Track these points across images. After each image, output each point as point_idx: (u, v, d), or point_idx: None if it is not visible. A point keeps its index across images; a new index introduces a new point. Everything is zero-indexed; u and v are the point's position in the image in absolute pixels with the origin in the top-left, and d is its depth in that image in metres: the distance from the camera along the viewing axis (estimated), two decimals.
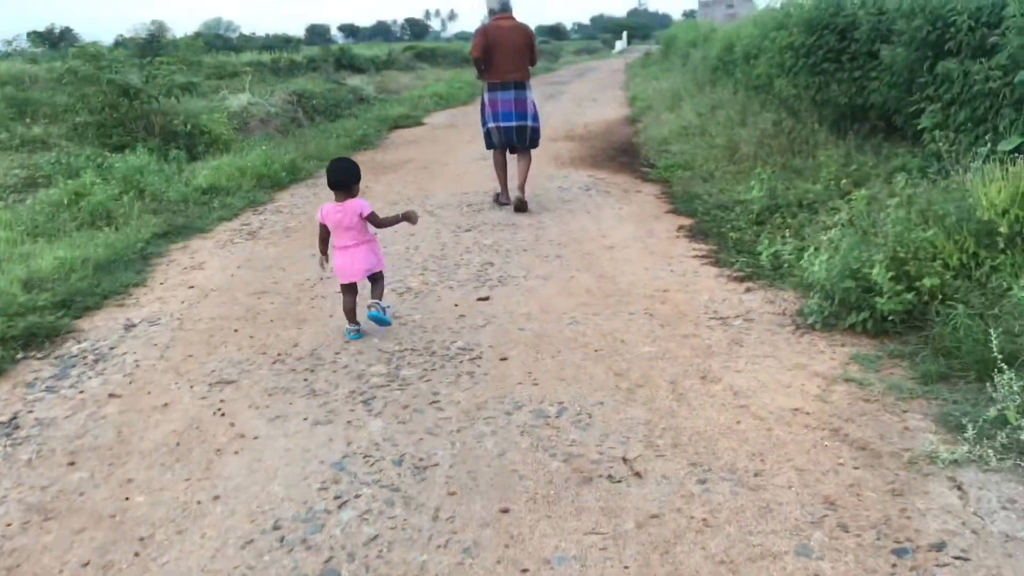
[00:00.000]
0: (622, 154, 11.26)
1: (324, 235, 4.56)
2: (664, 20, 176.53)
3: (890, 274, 4.08)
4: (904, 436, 3.09)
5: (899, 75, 6.88)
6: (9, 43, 21.49)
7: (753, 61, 9.62)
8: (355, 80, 24.11)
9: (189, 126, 11.22)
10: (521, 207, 7.42)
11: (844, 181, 6.35)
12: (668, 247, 6.02)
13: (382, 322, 4.45)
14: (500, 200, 7.82)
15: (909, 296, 4.03)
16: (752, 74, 9.59)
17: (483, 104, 7.77)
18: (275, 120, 13.98)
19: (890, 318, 4.07)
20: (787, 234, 5.81)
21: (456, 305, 4.86)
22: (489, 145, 7.83)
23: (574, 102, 19.46)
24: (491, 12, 7.73)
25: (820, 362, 3.82)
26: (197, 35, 45.49)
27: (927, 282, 4.04)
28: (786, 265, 5.17)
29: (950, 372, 3.56)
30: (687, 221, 6.81)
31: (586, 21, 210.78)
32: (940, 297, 4.03)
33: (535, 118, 7.71)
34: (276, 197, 8.59)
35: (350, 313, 4.47)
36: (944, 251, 4.23)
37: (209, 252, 6.38)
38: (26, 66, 17.85)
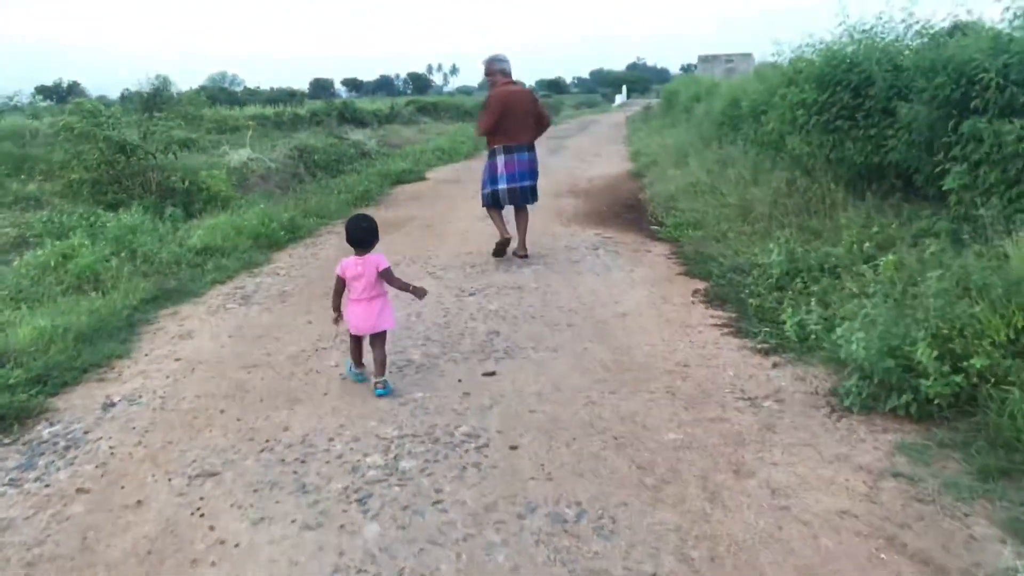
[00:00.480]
0: (628, 211, 11.00)
1: (340, 288, 4.66)
2: (663, 74, 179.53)
3: (934, 353, 3.74)
4: (971, 547, 2.73)
5: (919, 133, 6.62)
6: (10, 98, 21.31)
7: (763, 117, 9.40)
8: (358, 134, 24.07)
9: (187, 183, 10.99)
10: (522, 255, 7.86)
11: (867, 244, 6.04)
12: (685, 314, 5.69)
13: (386, 391, 4.42)
14: (499, 244, 7.83)
15: (957, 378, 3.69)
16: (762, 131, 9.37)
17: (493, 166, 7.82)
18: (276, 176, 13.78)
19: (936, 402, 3.72)
20: (811, 301, 5.48)
21: (460, 381, 4.52)
22: (488, 203, 7.96)
23: (576, 157, 19.30)
24: (495, 76, 7.88)
25: (863, 452, 3.47)
26: (201, 88, 45.84)
27: (976, 363, 3.70)
28: (813, 337, 4.84)
29: (1011, 467, 3.21)
30: (702, 285, 6.50)
31: (586, 75, 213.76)
32: (991, 379, 3.69)
33: (537, 176, 8.02)
34: (273, 258, 8.29)
35: (357, 356, 4.62)
36: (991, 327, 3.90)
37: (200, 319, 6.05)
38: (28, 121, 17.74)
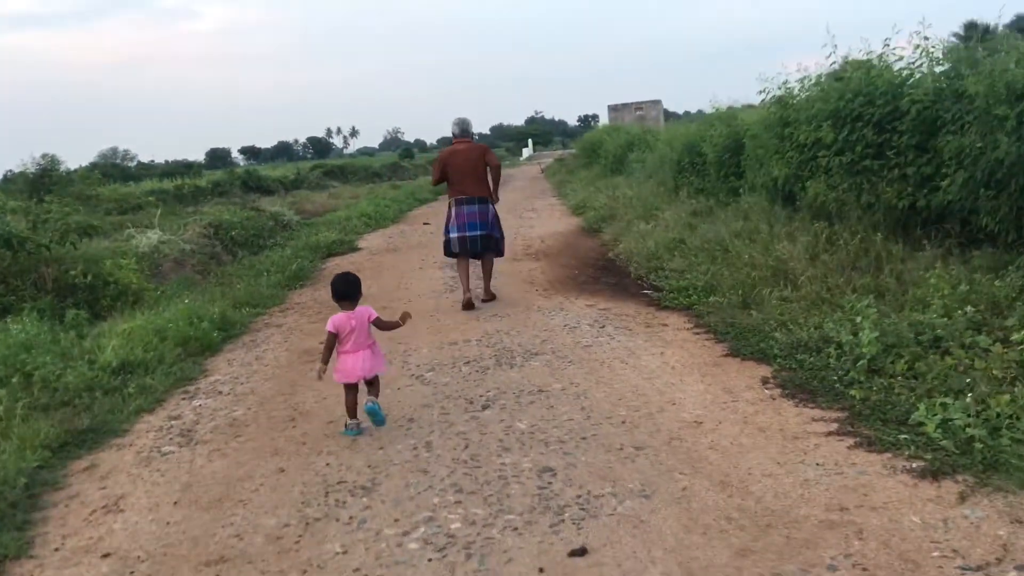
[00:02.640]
0: (604, 273, 9.82)
1: (331, 344, 4.82)
2: (561, 126, 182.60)
3: None
4: None
5: (991, 169, 5.61)
6: None
7: (764, 163, 8.37)
8: (265, 202, 22.46)
9: (89, 277, 9.25)
10: (487, 299, 8.36)
11: (971, 310, 4.93)
12: (775, 417, 4.42)
13: (377, 416, 4.75)
14: (463, 303, 8.13)
15: None
16: (761, 176, 8.33)
17: (448, 216, 8.43)
18: (191, 259, 12.08)
19: None
20: (933, 388, 4.31)
21: (542, 572, 3.09)
22: (448, 253, 8.56)
23: (513, 214, 18.03)
24: (453, 136, 8.63)
25: None
26: (93, 166, 43.26)
27: None
28: (979, 445, 3.63)
29: None
30: (764, 370, 5.27)
31: (486, 131, 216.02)
32: None
33: (497, 228, 8.51)
34: (210, 368, 6.69)
35: (351, 409, 4.80)
36: None
37: (128, 475, 4.46)
38: None
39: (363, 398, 4.84)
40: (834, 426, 4.20)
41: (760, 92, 8.98)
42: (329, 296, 4.94)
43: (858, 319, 5.12)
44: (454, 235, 8.27)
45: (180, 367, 6.50)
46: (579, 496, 3.65)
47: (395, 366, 6.18)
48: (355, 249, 14.43)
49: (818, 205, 7.23)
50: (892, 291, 5.86)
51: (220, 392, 5.94)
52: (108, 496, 4.19)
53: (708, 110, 13.10)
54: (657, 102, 48.50)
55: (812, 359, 5.17)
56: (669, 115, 52.48)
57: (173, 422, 5.33)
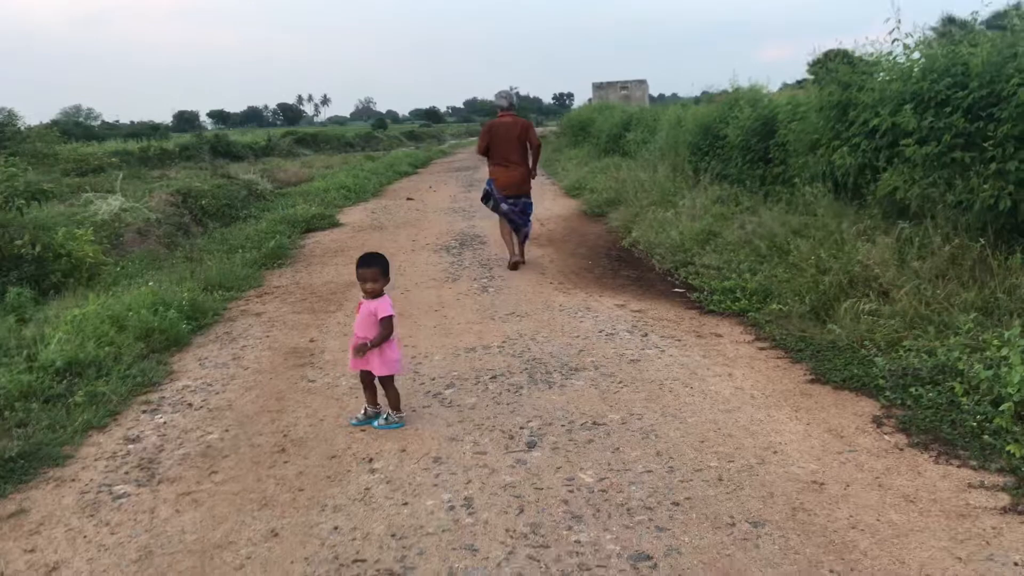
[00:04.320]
0: (622, 265, 8.80)
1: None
2: (536, 103, 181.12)
3: None
4: None
5: None
6: None
7: (822, 150, 7.34)
8: (235, 168, 21.10)
9: (38, 247, 8.03)
10: (522, 261, 8.92)
11: None
12: (916, 479, 3.42)
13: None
14: (512, 263, 8.82)
15: None
16: (824, 165, 7.29)
17: (492, 183, 9.04)
18: (157, 229, 10.85)
19: None
20: None
21: None
22: (493, 209, 9.12)
23: None
24: (498, 107, 9.26)
25: None
26: (53, 123, 41.21)
27: None
28: None
29: None
30: (869, 405, 4.27)
31: (460, 104, 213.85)
32: None
33: (530, 202, 9.20)
34: (177, 369, 5.56)
35: (369, 395, 4.45)
36: None
37: (66, 532, 3.35)
38: None
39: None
40: (1004, 497, 3.21)
41: (811, 68, 7.94)
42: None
43: (998, 348, 4.11)
44: (504, 207, 8.89)
45: (141, 368, 5.35)
46: None
47: (405, 378, 5.10)
48: (337, 224, 13.24)
49: (895, 201, 6.23)
50: (1004, 307, 4.90)
51: (190, 405, 4.82)
52: (35, 565, 3.08)
53: (686, 94, 12.18)
54: (643, 82, 47.34)
55: (931, 395, 4.17)
56: (651, 98, 51.44)
57: (130, 447, 4.21)
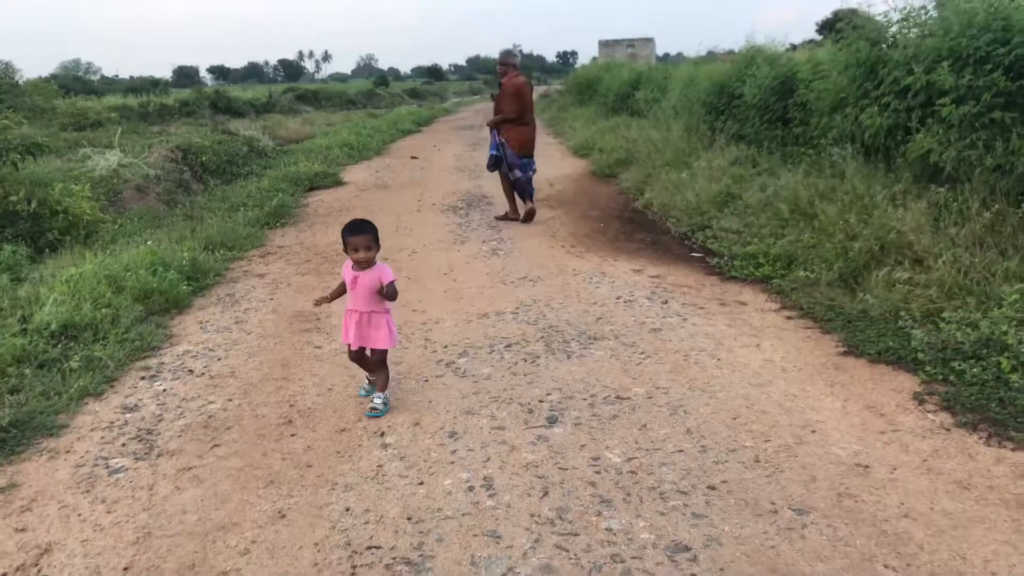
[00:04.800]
0: (636, 228, 8.53)
1: (339, 290, 4.15)
2: (539, 61, 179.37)
3: None
4: None
5: None
6: None
7: (848, 110, 7.01)
8: (236, 125, 20.69)
9: (34, 204, 7.78)
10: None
11: None
12: (968, 463, 3.19)
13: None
14: (509, 216, 9.12)
15: None
16: (849, 126, 6.97)
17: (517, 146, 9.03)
18: (156, 186, 10.55)
19: None
20: None
21: None
22: (499, 168, 9.13)
23: None
24: (507, 68, 9.09)
25: None
26: (52, 77, 40.55)
27: None
28: None
29: None
30: (907, 380, 4.04)
31: (462, 62, 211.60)
32: None
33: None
34: (177, 333, 5.33)
35: (367, 369, 4.16)
36: None
37: (60, 510, 3.14)
38: None
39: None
40: None
41: (837, 25, 7.59)
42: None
43: None
44: (519, 174, 8.98)
45: (139, 331, 5.12)
46: None
47: (415, 345, 4.87)
48: (340, 183, 12.94)
49: (927, 164, 5.93)
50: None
51: (191, 371, 4.59)
52: (26, 547, 2.87)
53: (692, 54, 11.78)
54: (649, 40, 46.61)
55: (975, 371, 3.93)
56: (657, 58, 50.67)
57: (128, 416, 3.99)
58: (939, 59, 6.03)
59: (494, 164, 9.13)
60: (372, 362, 4.01)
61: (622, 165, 12.33)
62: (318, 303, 4.11)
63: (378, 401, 3.92)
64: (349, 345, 4.02)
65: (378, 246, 3.91)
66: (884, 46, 6.88)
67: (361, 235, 3.83)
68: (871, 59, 7.04)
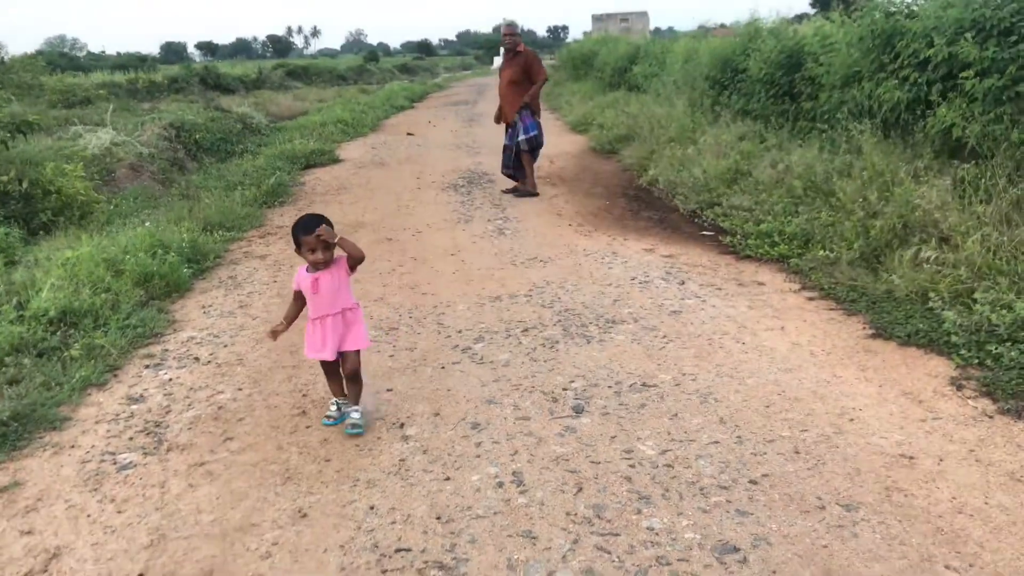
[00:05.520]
0: (642, 205, 8.37)
1: (296, 306, 3.55)
2: (530, 36, 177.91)
3: None
4: None
5: None
6: None
7: (864, 83, 6.83)
8: (227, 101, 20.38)
9: (25, 184, 7.56)
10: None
11: None
12: (1016, 453, 3.06)
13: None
14: (531, 191, 9.06)
15: None
16: (865, 100, 6.79)
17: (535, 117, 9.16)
18: (151, 165, 10.32)
19: None
20: None
21: None
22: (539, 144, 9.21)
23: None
24: (516, 38, 9.24)
25: None
26: (38, 53, 39.95)
27: None
28: None
29: None
30: (941, 364, 3.90)
31: (452, 37, 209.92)
32: None
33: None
34: (180, 318, 5.15)
35: (335, 387, 3.62)
36: None
37: (67, 509, 2.98)
38: None
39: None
40: None
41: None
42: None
43: None
44: (534, 134, 9.06)
45: (141, 317, 4.95)
46: None
47: (428, 330, 4.71)
48: (337, 160, 12.71)
49: (949, 139, 5.77)
50: None
51: (196, 359, 4.43)
52: (34, 551, 2.72)
53: (684, 28, 11.56)
54: (643, 14, 46.16)
55: (1013, 354, 3.80)
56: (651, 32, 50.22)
57: (133, 407, 3.83)
58: (961, 30, 5.86)
59: (539, 141, 9.14)
60: (349, 371, 3.48)
61: (623, 141, 12.14)
62: (275, 335, 3.44)
63: (356, 416, 3.47)
64: (322, 361, 3.54)
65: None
66: (901, 17, 6.70)
67: (316, 233, 3.29)
68: (887, 31, 6.86)
